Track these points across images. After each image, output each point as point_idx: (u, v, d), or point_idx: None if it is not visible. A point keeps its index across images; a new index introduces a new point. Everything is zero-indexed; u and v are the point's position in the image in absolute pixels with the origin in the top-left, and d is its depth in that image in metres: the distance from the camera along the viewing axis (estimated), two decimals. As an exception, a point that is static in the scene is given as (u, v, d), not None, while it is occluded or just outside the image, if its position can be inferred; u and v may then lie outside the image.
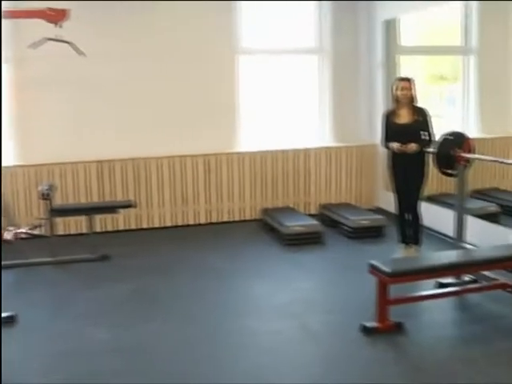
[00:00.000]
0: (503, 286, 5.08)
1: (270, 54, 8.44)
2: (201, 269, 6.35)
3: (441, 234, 7.14)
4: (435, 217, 7.24)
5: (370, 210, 8.37)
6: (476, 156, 5.72)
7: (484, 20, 8.48)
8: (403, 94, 6.16)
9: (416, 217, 6.39)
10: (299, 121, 8.74)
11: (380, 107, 8.24)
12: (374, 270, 4.76)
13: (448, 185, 8.13)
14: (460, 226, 5.63)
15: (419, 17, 8.47)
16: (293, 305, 5.38)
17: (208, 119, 8.05)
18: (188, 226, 7.97)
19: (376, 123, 8.37)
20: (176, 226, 7.94)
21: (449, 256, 5.02)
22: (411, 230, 6.47)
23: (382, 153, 8.31)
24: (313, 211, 8.34)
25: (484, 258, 4.88)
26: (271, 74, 8.52)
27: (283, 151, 8.24)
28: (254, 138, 8.44)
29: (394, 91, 6.26)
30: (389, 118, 6.35)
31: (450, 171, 5.75)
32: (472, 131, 8.68)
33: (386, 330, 4.70)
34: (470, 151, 5.59)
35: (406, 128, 6.21)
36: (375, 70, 8.37)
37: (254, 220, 8.16)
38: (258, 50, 8.35)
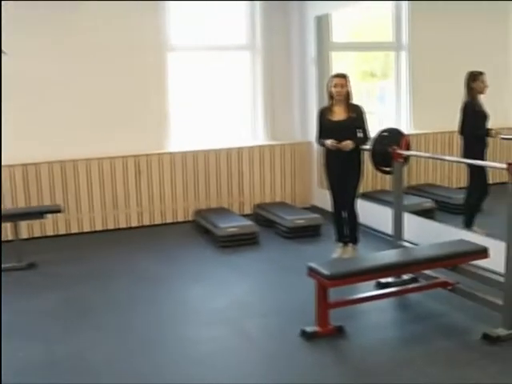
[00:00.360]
0: (443, 285, 5.00)
1: (200, 50, 8.19)
2: (134, 274, 6.09)
3: (378, 231, 7.06)
4: (371, 214, 7.17)
5: (306, 208, 8.25)
6: (413, 153, 5.66)
7: (415, 16, 8.47)
8: (338, 90, 6.02)
9: (353, 215, 6.27)
10: (232, 119, 8.53)
11: (313, 104, 8.13)
12: (312, 272, 4.60)
13: (383, 182, 8.13)
14: (398, 224, 5.53)
15: (351, 13, 8.39)
16: (230, 309, 5.18)
17: (138, 119, 7.78)
18: (119, 229, 7.67)
19: (310, 121, 8.27)
20: (107, 230, 7.62)
21: (389, 256, 4.90)
22: (348, 228, 6.35)
23: (317, 150, 8.23)
24: (247, 211, 8.16)
25: (424, 257, 4.78)
26: (203, 72, 8.29)
27: (216, 150, 8.03)
28: (185, 137, 8.21)
29: (328, 88, 6.12)
30: (323, 114, 6.21)
31: (386, 168, 5.64)
32: (404, 127, 8.67)
33: (326, 333, 4.55)
34: (406, 148, 5.49)
35: (341, 125, 6.07)
36: (308, 66, 8.24)
37: (187, 222, 7.92)
38: (188, 47, 8.10)
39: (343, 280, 4.50)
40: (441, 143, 8.69)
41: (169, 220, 7.87)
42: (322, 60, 8.11)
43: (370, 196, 7.81)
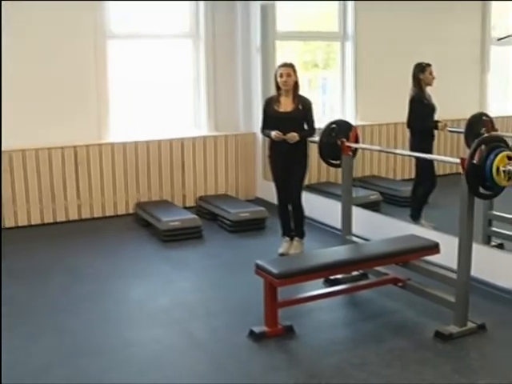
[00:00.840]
0: (394, 281, 4.85)
1: (142, 38, 7.85)
2: (74, 271, 5.75)
3: (323, 224, 6.90)
4: (316, 207, 7.00)
5: (250, 201, 8.04)
6: (362, 146, 5.49)
7: (361, 7, 8.32)
8: (284, 80, 5.80)
9: (298, 209, 6.08)
10: (174, 109, 8.23)
11: (258, 95, 7.91)
12: (260, 270, 4.40)
13: (328, 173, 7.98)
14: (347, 218, 5.37)
15: (296, 2, 8.18)
16: (174, 309, 4.92)
17: (77, 109, 7.40)
18: (57, 223, 7.29)
19: (254, 111, 8.05)
20: (44, 224, 7.22)
21: (339, 252, 4.72)
22: (294, 222, 6.16)
23: (261, 142, 8.02)
24: (190, 204, 7.89)
25: (376, 254, 4.62)
26: (145, 61, 7.95)
27: (158, 141, 7.72)
28: (126, 127, 7.87)
29: (275, 78, 5.89)
30: (270, 105, 5.98)
31: (334, 161, 5.47)
32: (349, 119, 8.54)
33: (275, 334, 4.36)
34: (355, 140, 5.32)
35: (288, 117, 5.86)
36: (252, 55, 8.00)
37: (128, 215, 7.60)
38: (129, 34, 7.76)
39: (293, 278, 4.30)
40: (385, 135, 8.60)
41: (109, 213, 7.54)
42: (267, 49, 7.89)
43: (314, 188, 7.65)
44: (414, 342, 4.29)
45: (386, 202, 7.51)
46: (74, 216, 7.37)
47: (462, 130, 6.32)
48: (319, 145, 5.37)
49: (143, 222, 7.11)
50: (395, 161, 8.68)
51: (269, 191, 7.93)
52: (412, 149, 6.48)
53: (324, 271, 4.42)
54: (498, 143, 4.12)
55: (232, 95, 8.19)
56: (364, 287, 4.87)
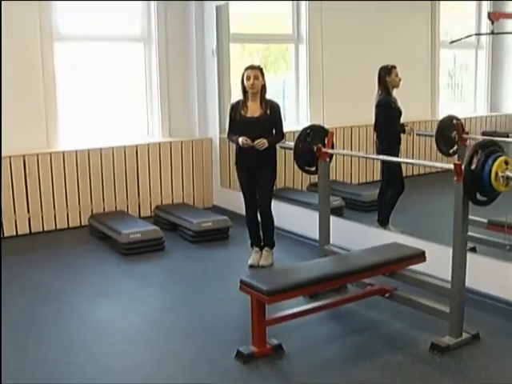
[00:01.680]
0: (381, 292, 4.60)
1: (91, 41, 7.37)
2: (30, 290, 5.26)
3: (286, 231, 6.58)
4: (277, 213, 6.69)
5: (207, 208, 7.69)
6: (341, 151, 5.22)
7: (314, 7, 8.06)
8: (251, 83, 5.47)
9: (268, 218, 5.76)
10: (127, 115, 7.79)
11: (214, 99, 7.58)
12: (246, 286, 4.06)
13: (287, 179, 7.70)
14: (325, 227, 5.09)
15: (249, 3, 7.88)
16: (147, 330, 4.53)
17: (23, 115, 6.87)
18: (6, 238, 6.72)
19: (210, 116, 7.73)
20: (-10, 239, 6.68)
21: (325, 265, 4.42)
22: (263, 232, 5.84)
23: (218, 147, 7.66)
24: (146, 214, 7.46)
25: (364, 265, 4.34)
26: (95, 65, 7.48)
27: (110, 149, 7.25)
28: (76, 134, 7.39)
29: (242, 80, 5.56)
30: (236, 109, 5.65)
31: (310, 168, 5.17)
32: (303, 122, 8.30)
33: (264, 354, 4.03)
34: (331, 146, 5.04)
35: (255, 122, 5.55)
36: (207, 58, 7.64)
37: (82, 227, 7.11)
38: (78, 36, 7.27)
39: (283, 295, 3.98)
40: (341, 138, 8.37)
41: (61, 226, 7.03)
42: (222, 52, 7.55)
43: (274, 194, 7.34)
44: (411, 355, 4.04)
45: (347, 207, 7.27)
46: (22, 230, 6.83)
47: (431, 133, 6.13)
48: (294, 151, 5.06)
49: (100, 235, 6.65)
50: (351, 165, 8.47)
51: (227, 198, 7.62)
52: (379, 152, 6.27)
53: (314, 285, 4.11)
54: (494, 148, 3.91)
55: (186, 100, 7.81)
56: (351, 299, 4.59)
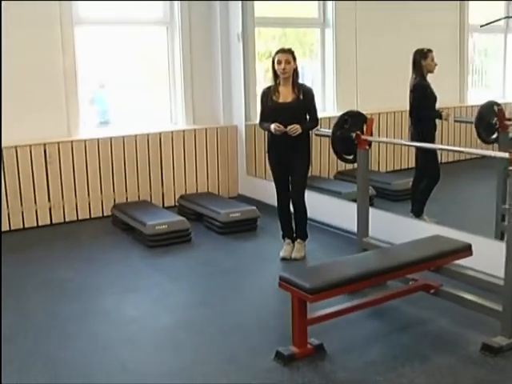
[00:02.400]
0: (425, 287, 4.29)
1: (112, 25, 7.07)
2: (52, 286, 4.99)
3: (318, 222, 6.26)
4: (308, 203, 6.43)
5: (233, 198, 7.40)
6: (383, 139, 4.90)
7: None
8: (283, 68, 5.16)
9: (301, 208, 5.46)
10: (149, 102, 7.49)
11: (239, 85, 7.27)
12: (286, 283, 3.77)
13: (313, 167, 7.38)
14: (364, 219, 4.79)
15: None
16: (177, 330, 4.24)
17: (44, 102, 6.59)
18: (25, 229, 6.47)
19: (235, 102, 7.42)
20: (11, 231, 6.39)
21: (370, 260, 4.12)
22: (296, 223, 5.55)
23: (244, 134, 7.36)
24: (170, 203, 7.18)
25: (409, 260, 4.04)
26: (116, 50, 7.20)
27: (133, 136, 6.97)
28: (98, 122, 7.11)
29: (273, 65, 5.25)
30: (267, 95, 5.34)
31: (348, 156, 4.86)
32: (329, 108, 7.99)
33: (305, 355, 3.75)
34: (371, 133, 4.73)
35: (287, 107, 5.24)
36: (232, 43, 7.31)
37: (104, 217, 6.84)
38: (98, 20, 6.96)
39: (327, 292, 3.68)
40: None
41: (83, 216, 6.76)
42: (247, 36, 7.23)
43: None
44: (461, 357, 3.74)
45: (377, 196, 6.95)
46: (44, 221, 6.57)
47: (470, 119, 5.80)
48: (332, 139, 4.74)
49: (123, 226, 6.37)
50: (379, 152, 8.14)
51: (252, 187, 7.33)
52: (413, 139, 5.97)
53: (359, 282, 3.81)
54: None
55: (211, 86, 7.50)
56: (395, 296, 4.28)
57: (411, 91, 5.90)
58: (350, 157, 4.85)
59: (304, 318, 3.73)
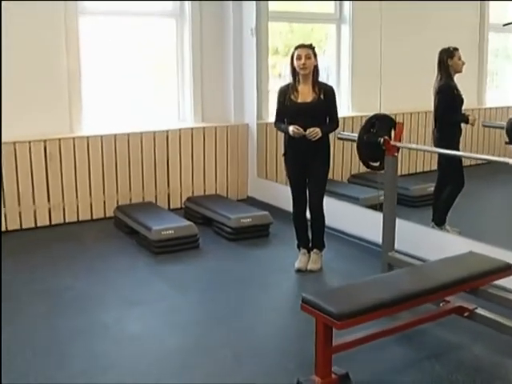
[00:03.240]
0: (458, 310, 3.87)
1: (118, 15, 6.63)
2: (51, 296, 4.57)
3: (329, 228, 5.80)
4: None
5: (242, 200, 7.00)
6: (414, 146, 4.47)
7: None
8: (303, 63, 4.73)
9: (319, 216, 5.04)
10: (157, 97, 7.05)
11: (252, 82, 6.84)
12: (310, 307, 3.33)
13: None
14: (390, 231, 4.36)
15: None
16: (186, 351, 3.82)
17: (45, 96, 6.17)
18: (23, 230, 6.05)
19: (246, 100, 6.98)
20: (7, 231, 5.96)
21: (402, 280, 3.69)
22: (312, 232, 5.12)
23: (256, 134, 6.93)
24: (176, 205, 6.75)
25: (446, 281, 3.61)
26: (122, 42, 6.75)
27: (138, 134, 6.53)
28: (102, 118, 6.67)
29: (291, 61, 4.81)
30: (285, 94, 4.90)
31: (374, 163, 4.43)
32: (344, 108, 7.55)
33: (329, 386, 3.31)
34: (400, 138, 4.29)
35: (307, 108, 4.82)
36: (244, 38, 6.87)
37: (106, 219, 6.41)
38: (104, 10, 6.53)
39: (357, 318, 3.25)
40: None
41: (84, 217, 6.34)
42: (260, 31, 6.79)
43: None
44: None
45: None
46: (43, 221, 6.14)
47: (500, 124, 5.37)
48: (358, 143, 4.31)
49: (127, 229, 5.95)
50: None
51: (263, 190, 6.91)
52: (437, 144, 5.53)
53: (392, 307, 3.38)
54: None
55: (221, 82, 7.08)
56: (426, 319, 3.86)
57: (437, 93, 5.47)
58: (376, 163, 4.41)
59: (329, 346, 3.31)
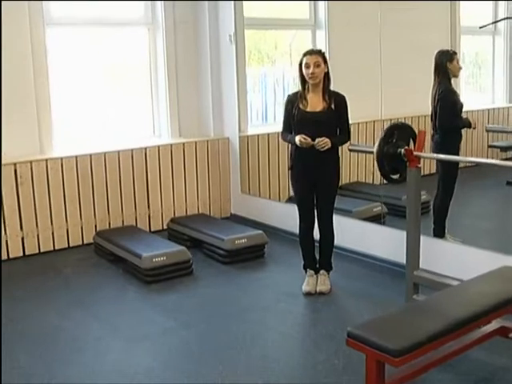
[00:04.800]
0: (502, 332, 3.53)
1: (87, 25, 6.10)
2: (29, 336, 4.02)
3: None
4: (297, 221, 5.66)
5: (226, 218, 6.55)
6: (441, 156, 4.13)
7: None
8: (312, 72, 4.35)
9: (329, 234, 4.66)
10: (130, 112, 6.53)
11: (232, 92, 6.41)
12: (359, 343, 2.93)
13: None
14: (415, 249, 3.99)
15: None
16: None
17: (11, 115, 5.56)
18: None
19: (228, 111, 6.53)
20: (-24, 265, 5.38)
21: (447, 305, 3.29)
22: (320, 251, 4.73)
23: (238, 148, 6.50)
24: (157, 227, 6.26)
25: (493, 304, 3.25)
26: (94, 54, 6.23)
27: (115, 153, 6.01)
28: (73, 137, 6.13)
29: (300, 68, 4.42)
30: (293, 103, 4.50)
31: (394, 176, 4.07)
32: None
33: (383, 432, 2.91)
34: (422, 148, 3.94)
35: (316, 118, 4.42)
36: (222, 46, 6.43)
37: (84, 245, 5.87)
38: (71, 21, 5.99)
39: (415, 353, 2.86)
40: (364, 134, 7.28)
41: (60, 245, 5.78)
42: (238, 39, 6.38)
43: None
44: None
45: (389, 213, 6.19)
46: (16, 252, 5.57)
47: (506, 128, 5.10)
48: (378, 155, 3.93)
49: (110, 257, 5.43)
50: (373, 163, 7.38)
51: (247, 206, 6.50)
52: (439, 150, 5.20)
53: (447, 336, 3.00)
54: None
55: (198, 94, 6.63)
56: (472, 344, 3.48)
57: (438, 99, 5.14)
58: (396, 176, 4.05)
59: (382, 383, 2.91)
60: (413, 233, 3.98)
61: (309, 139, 4.32)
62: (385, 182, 7.04)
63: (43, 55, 5.73)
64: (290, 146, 4.58)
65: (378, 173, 7.22)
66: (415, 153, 3.87)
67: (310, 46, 6.79)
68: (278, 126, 7.05)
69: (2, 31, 5.35)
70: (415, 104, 6.42)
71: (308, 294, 4.60)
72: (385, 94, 6.84)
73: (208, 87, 6.53)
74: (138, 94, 6.56)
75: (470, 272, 4.30)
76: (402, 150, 3.91)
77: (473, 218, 5.98)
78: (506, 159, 6.33)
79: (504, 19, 7.81)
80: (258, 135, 6.63)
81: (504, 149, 6.54)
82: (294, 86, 7.35)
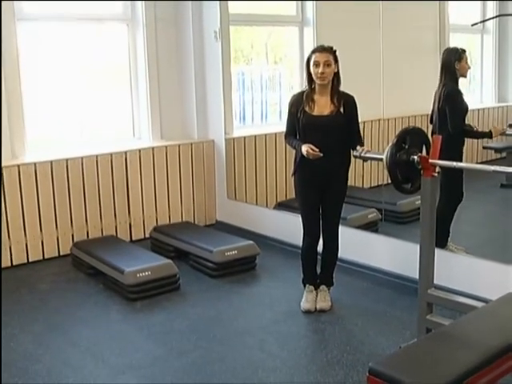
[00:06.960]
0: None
1: (61, 21, 5.59)
2: (14, 372, 3.51)
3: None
4: (287, 229, 5.37)
5: (210, 225, 6.10)
6: (462, 164, 3.72)
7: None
8: (322, 72, 3.90)
9: (334, 247, 4.23)
10: (108, 113, 6.03)
11: (217, 92, 5.96)
12: (383, 381, 2.50)
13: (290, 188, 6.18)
14: (429, 265, 3.57)
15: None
16: None
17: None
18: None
19: (213, 113, 6.07)
20: None
21: (477, 332, 2.88)
22: (323, 265, 4.30)
23: (224, 151, 6.06)
24: (139, 236, 5.79)
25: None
26: (69, 52, 5.72)
27: (93, 157, 5.51)
28: (47, 140, 5.62)
29: (307, 67, 3.98)
30: (298, 105, 4.05)
31: (407, 186, 3.64)
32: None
33: None
34: (437, 155, 3.52)
35: (324, 122, 3.99)
36: (206, 44, 5.97)
37: (61, 257, 5.38)
38: (44, 16, 5.48)
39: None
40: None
41: (34, 257, 5.28)
42: (223, 36, 5.92)
43: (288, 206, 5.82)
44: None
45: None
46: (-14, 266, 5.05)
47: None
48: (390, 163, 3.50)
49: (89, 270, 4.94)
50: (362, 166, 6.99)
51: (234, 213, 6.05)
52: (442, 155, 4.79)
53: (481, 370, 2.59)
54: None
55: (181, 94, 6.15)
56: (504, 373, 3.06)
57: (444, 99, 4.73)
58: (409, 186, 3.63)
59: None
60: (427, 248, 3.56)
61: (317, 151, 3.87)
62: (374, 185, 6.86)
63: (14, 52, 5.21)
64: (293, 150, 4.13)
65: (367, 176, 7.01)
66: (431, 160, 3.45)
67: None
68: (265, 128, 6.70)
69: (1, 31, 4.93)
70: (402, 104, 6.16)
71: (307, 312, 4.17)
72: (372, 94, 6.50)
73: (192, 86, 6.05)
74: (117, 93, 6.06)
75: (480, 286, 3.99)
76: (416, 157, 3.48)
77: (472, 224, 5.63)
78: (500, 159, 6.07)
79: (496, 17, 7.49)
80: (245, 137, 6.19)
81: (499, 150, 6.24)
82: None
